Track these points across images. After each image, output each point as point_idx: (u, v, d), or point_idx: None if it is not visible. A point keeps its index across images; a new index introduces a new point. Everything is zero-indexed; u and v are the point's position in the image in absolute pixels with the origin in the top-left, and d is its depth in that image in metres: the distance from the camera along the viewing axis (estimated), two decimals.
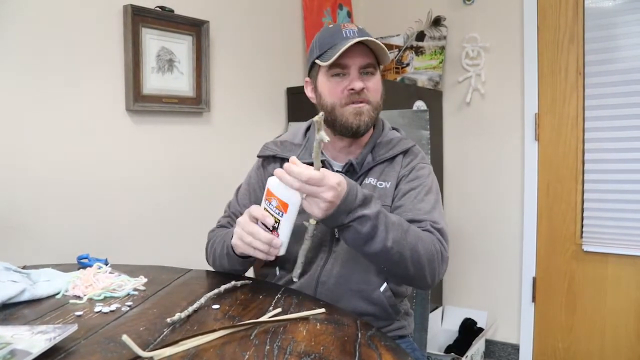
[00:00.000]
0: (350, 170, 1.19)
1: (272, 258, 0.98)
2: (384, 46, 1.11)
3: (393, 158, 1.20)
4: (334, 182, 0.90)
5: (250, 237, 0.97)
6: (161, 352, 0.72)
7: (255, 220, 0.98)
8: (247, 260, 1.11)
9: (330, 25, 1.17)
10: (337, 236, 1.17)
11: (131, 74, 1.80)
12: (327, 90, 1.16)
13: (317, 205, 0.91)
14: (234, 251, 1.07)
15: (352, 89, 1.12)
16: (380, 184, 1.18)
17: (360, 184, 1.18)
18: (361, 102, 1.14)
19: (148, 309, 0.92)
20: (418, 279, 1.05)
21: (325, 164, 1.19)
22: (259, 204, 1.22)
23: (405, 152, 1.22)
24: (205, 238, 1.28)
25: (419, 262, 1.01)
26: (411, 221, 1.08)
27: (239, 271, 1.17)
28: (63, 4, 1.63)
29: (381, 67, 1.20)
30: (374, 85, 1.15)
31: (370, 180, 1.19)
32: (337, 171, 1.18)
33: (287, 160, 1.19)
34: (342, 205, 0.92)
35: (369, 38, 1.10)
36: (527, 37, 2.51)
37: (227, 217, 1.30)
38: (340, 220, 0.94)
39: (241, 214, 1.22)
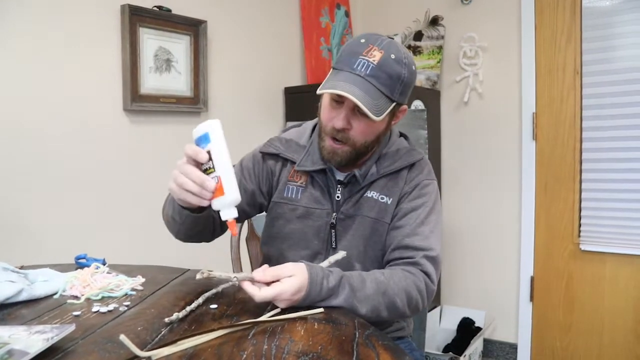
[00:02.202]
0: (352, 182, 1.15)
1: (205, 202, 0.93)
2: (368, 112, 0.99)
3: (398, 171, 1.16)
4: (288, 296, 0.88)
5: (183, 176, 0.92)
6: (159, 351, 0.72)
7: (193, 161, 0.92)
8: (191, 213, 1.03)
9: (362, 41, 1.05)
10: (334, 246, 1.16)
11: (129, 73, 1.79)
12: (323, 109, 1.12)
13: (280, 304, 0.90)
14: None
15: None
16: (382, 198, 1.15)
17: (362, 196, 1.15)
18: (340, 141, 1.08)
19: (146, 309, 0.92)
20: (397, 318, 1.16)
21: (327, 173, 1.16)
22: (248, 188, 1.21)
23: (411, 166, 1.17)
24: None
25: (397, 313, 1.03)
26: (406, 248, 1.09)
27: (185, 225, 1.08)
28: (61, 4, 1.63)
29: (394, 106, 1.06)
30: (362, 128, 1.07)
31: (372, 194, 1.15)
32: (339, 181, 1.16)
33: (290, 161, 1.20)
34: (305, 302, 0.91)
35: (352, 98, 0.99)
36: (524, 37, 2.51)
37: None
38: (308, 304, 0.93)
39: None
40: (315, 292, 0.92)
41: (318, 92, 1.05)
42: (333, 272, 0.96)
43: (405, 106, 1.13)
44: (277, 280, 0.89)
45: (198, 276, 0.84)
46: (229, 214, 0.92)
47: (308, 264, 0.94)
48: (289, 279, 0.89)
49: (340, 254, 1.03)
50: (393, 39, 1.09)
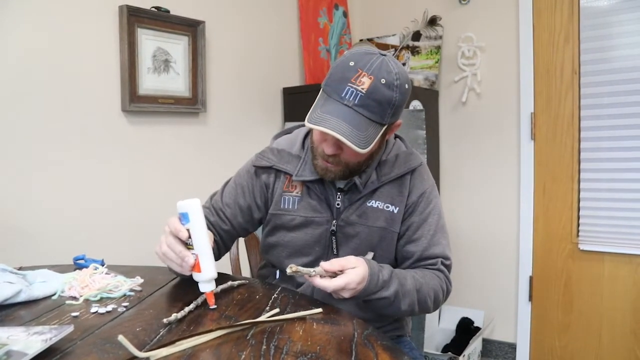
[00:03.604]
0: (352, 189, 1.15)
1: (187, 273, 0.99)
2: (355, 147, 0.97)
3: (400, 177, 1.16)
4: (354, 285, 0.96)
5: (167, 247, 0.99)
6: (158, 352, 0.72)
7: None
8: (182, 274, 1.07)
9: (351, 64, 1.00)
10: (335, 252, 1.16)
11: (127, 74, 1.79)
12: (313, 130, 1.10)
13: (341, 296, 0.98)
14: None
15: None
16: (387, 207, 1.15)
17: (363, 204, 1.15)
18: (331, 163, 1.07)
19: (144, 310, 0.92)
20: (422, 313, 1.21)
21: (326, 181, 1.15)
22: (244, 205, 1.22)
23: (412, 172, 1.17)
24: None
25: (424, 309, 1.12)
26: (427, 258, 1.15)
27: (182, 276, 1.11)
28: (58, 5, 1.63)
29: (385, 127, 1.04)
30: (352, 152, 1.01)
31: (377, 204, 1.15)
32: (339, 188, 1.15)
33: (284, 172, 1.19)
34: (363, 293, 0.99)
35: (338, 136, 0.96)
36: (522, 37, 2.52)
37: (207, 208, 1.23)
38: (360, 298, 1.02)
39: (222, 211, 1.22)
40: (373, 283, 0.99)
41: (306, 124, 1.02)
42: (384, 266, 1.04)
43: (399, 120, 1.10)
44: (342, 272, 0.96)
45: (287, 270, 0.94)
46: (206, 287, 0.97)
47: (365, 257, 1.02)
48: (353, 270, 0.96)
49: (369, 255, 1.12)
50: (385, 55, 1.03)
